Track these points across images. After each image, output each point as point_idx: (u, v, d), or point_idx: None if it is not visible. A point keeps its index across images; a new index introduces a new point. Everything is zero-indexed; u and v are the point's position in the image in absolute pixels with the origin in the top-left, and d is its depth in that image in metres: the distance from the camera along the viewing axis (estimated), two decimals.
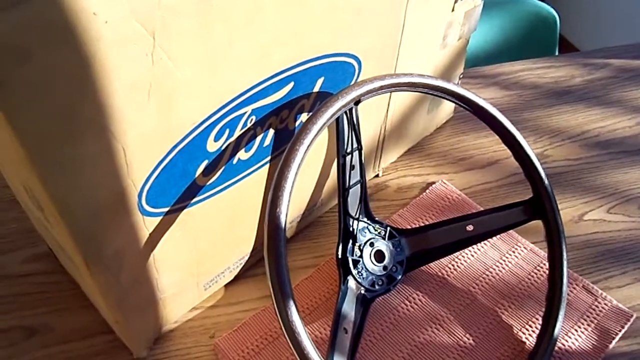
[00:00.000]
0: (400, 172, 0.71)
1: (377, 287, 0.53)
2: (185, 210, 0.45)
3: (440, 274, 0.59)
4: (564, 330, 0.55)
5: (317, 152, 0.56)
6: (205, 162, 0.43)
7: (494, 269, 0.60)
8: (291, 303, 0.40)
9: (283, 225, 0.41)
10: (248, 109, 0.44)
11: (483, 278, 0.59)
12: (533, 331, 0.54)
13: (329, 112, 0.45)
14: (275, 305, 0.40)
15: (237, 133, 0.44)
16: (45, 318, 0.54)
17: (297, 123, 0.50)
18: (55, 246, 0.51)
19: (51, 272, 0.58)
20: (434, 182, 0.69)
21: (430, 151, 0.74)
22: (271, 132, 0.48)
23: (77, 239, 0.38)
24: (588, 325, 0.55)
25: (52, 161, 0.33)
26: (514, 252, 0.61)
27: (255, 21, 0.39)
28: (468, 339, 0.54)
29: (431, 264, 0.59)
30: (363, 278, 0.52)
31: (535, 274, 0.59)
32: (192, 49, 0.36)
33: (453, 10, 0.61)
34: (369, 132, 0.62)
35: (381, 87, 0.48)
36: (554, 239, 0.54)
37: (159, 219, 0.43)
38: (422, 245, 0.56)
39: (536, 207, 0.55)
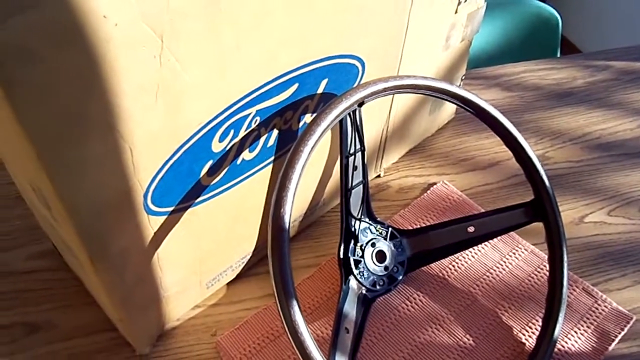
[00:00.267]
0: (402, 172, 0.72)
1: (378, 287, 0.54)
2: (189, 210, 0.45)
3: (441, 274, 0.59)
4: (564, 332, 0.55)
5: (320, 152, 0.57)
6: (210, 162, 0.44)
7: (495, 270, 0.60)
8: (294, 303, 0.40)
9: (287, 226, 0.41)
10: (253, 110, 0.44)
11: (483, 279, 0.59)
12: (533, 332, 0.55)
13: (333, 114, 0.45)
14: (278, 305, 0.40)
15: (242, 134, 0.45)
16: (48, 315, 0.55)
17: (301, 124, 0.51)
18: (60, 244, 0.51)
19: (55, 269, 0.58)
20: (435, 183, 0.69)
21: (431, 152, 0.75)
22: (275, 132, 0.48)
23: (83, 237, 0.38)
24: (588, 327, 0.56)
25: (60, 160, 0.33)
26: (514, 253, 0.62)
27: (262, 24, 0.39)
28: (468, 340, 0.54)
29: (432, 265, 0.60)
30: (364, 278, 0.53)
31: (536, 275, 0.60)
32: (200, 52, 0.36)
33: (456, 12, 0.62)
34: (371, 133, 0.62)
35: (385, 89, 0.49)
36: (554, 241, 0.55)
37: (163, 218, 0.43)
38: (423, 246, 0.57)
39: (537, 209, 0.55)
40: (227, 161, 0.45)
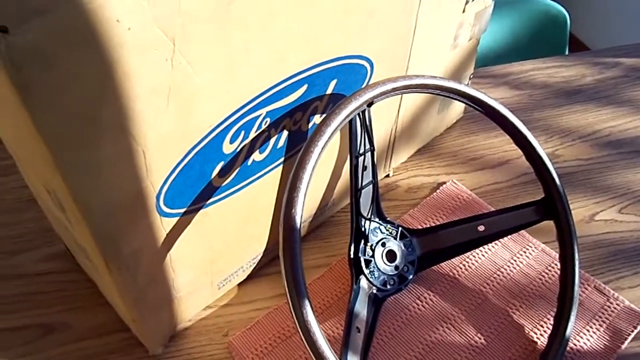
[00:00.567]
0: (411, 172, 0.72)
1: (388, 286, 0.54)
2: (201, 211, 0.46)
3: (451, 273, 0.59)
4: (576, 331, 0.55)
5: (330, 152, 0.57)
6: (221, 164, 0.44)
7: (505, 269, 0.60)
8: (306, 303, 0.40)
9: (298, 226, 0.41)
10: (263, 111, 0.44)
11: (494, 278, 0.59)
12: (544, 331, 0.55)
13: (342, 114, 0.45)
14: (290, 305, 0.41)
15: (252, 135, 0.45)
16: (61, 316, 0.55)
17: (310, 125, 0.51)
18: (73, 246, 0.52)
19: (67, 270, 0.59)
20: (444, 182, 0.69)
21: (440, 151, 0.75)
22: (285, 133, 0.49)
23: (97, 238, 0.39)
24: (600, 325, 0.56)
25: (75, 163, 0.34)
26: (525, 252, 0.62)
27: (271, 26, 0.39)
28: (479, 339, 0.54)
29: (442, 264, 0.60)
30: (375, 278, 0.53)
31: (547, 274, 0.60)
32: (210, 54, 0.36)
33: (464, 11, 0.62)
34: (380, 133, 0.63)
35: (394, 89, 0.49)
36: (565, 239, 0.55)
37: (175, 219, 0.44)
38: (433, 245, 0.57)
39: (548, 208, 0.55)
40: (237, 162, 0.46)
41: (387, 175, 0.71)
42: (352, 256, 0.53)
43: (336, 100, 0.50)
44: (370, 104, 0.49)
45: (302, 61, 0.45)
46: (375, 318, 0.52)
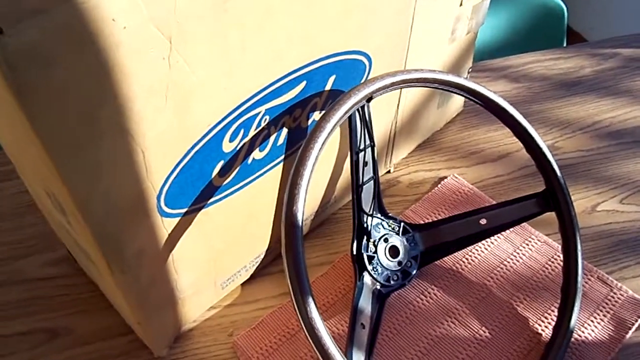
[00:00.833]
0: (412, 167, 0.71)
1: (392, 282, 0.54)
2: (202, 211, 0.46)
3: (454, 267, 0.59)
4: (580, 322, 0.55)
5: (330, 149, 0.57)
6: (221, 163, 0.44)
7: (508, 262, 0.60)
8: (310, 300, 0.40)
9: (300, 223, 0.41)
10: (262, 108, 0.44)
11: (497, 271, 0.59)
12: (549, 323, 0.55)
13: (341, 110, 0.45)
14: (294, 302, 0.41)
15: (252, 133, 0.45)
16: (65, 320, 0.55)
17: (310, 121, 0.51)
18: (75, 249, 0.51)
19: (70, 275, 0.59)
20: (445, 177, 0.69)
21: (441, 145, 0.74)
22: (284, 131, 0.48)
23: (99, 240, 0.39)
24: (604, 316, 0.55)
25: (74, 164, 0.33)
26: (527, 244, 0.61)
27: (267, 24, 0.39)
28: (484, 332, 0.54)
29: (445, 258, 0.59)
30: (378, 274, 0.53)
31: (550, 265, 0.60)
32: (207, 53, 0.36)
33: (461, 4, 0.62)
34: (380, 129, 0.62)
35: (392, 84, 0.49)
36: (567, 230, 0.54)
37: (177, 219, 0.44)
38: (435, 240, 0.57)
39: (549, 199, 0.55)
40: (238, 161, 0.46)
41: (388, 171, 0.71)
42: (354, 253, 0.53)
43: (335, 97, 0.50)
44: (369, 99, 0.49)
45: (300, 58, 0.45)
46: (380, 314, 0.51)
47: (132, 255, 0.42)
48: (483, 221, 0.56)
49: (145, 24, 0.31)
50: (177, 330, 0.54)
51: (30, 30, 0.27)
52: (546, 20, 1.19)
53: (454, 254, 0.59)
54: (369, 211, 0.54)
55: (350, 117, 0.50)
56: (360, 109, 0.50)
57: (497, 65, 0.89)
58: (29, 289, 0.58)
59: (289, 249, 0.41)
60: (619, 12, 2.01)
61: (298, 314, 0.40)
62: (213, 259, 0.51)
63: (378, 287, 0.53)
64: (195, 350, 0.53)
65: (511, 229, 0.62)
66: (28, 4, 0.26)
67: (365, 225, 0.53)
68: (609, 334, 0.54)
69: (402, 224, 0.56)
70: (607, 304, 0.56)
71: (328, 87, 0.50)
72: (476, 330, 0.54)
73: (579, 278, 0.53)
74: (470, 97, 0.54)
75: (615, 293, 0.57)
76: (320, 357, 0.40)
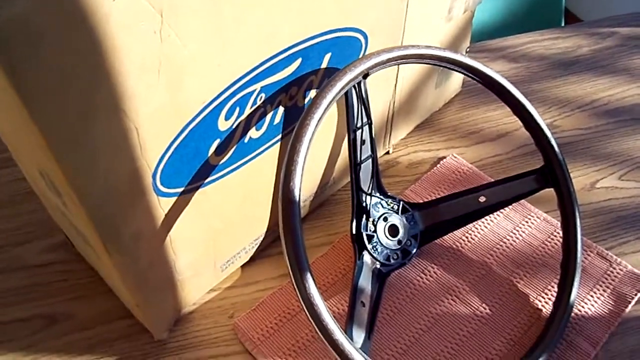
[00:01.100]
0: (411, 148, 0.71)
1: (392, 261, 0.53)
2: (199, 190, 0.45)
3: (454, 246, 0.59)
4: (580, 297, 0.55)
5: (327, 130, 0.56)
6: (217, 141, 0.44)
7: (508, 239, 0.60)
8: (308, 276, 0.40)
9: (297, 199, 0.41)
10: (257, 86, 0.44)
11: (497, 248, 0.59)
12: (549, 299, 0.55)
13: (337, 86, 0.45)
14: (292, 278, 0.40)
15: (248, 111, 0.45)
16: (64, 306, 0.55)
17: (306, 100, 0.50)
18: (72, 233, 0.51)
19: (68, 261, 0.58)
20: (444, 157, 0.69)
21: (439, 126, 0.74)
22: (281, 109, 0.48)
23: (95, 221, 0.39)
24: (604, 290, 0.55)
25: (68, 143, 0.33)
26: (527, 221, 0.61)
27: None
28: (484, 309, 0.54)
29: (445, 237, 0.59)
30: (378, 253, 0.53)
31: (549, 242, 0.59)
32: (200, 27, 0.36)
33: None
34: (378, 109, 0.62)
35: (389, 60, 0.48)
36: (566, 206, 0.54)
37: (173, 199, 0.43)
38: (435, 219, 0.56)
39: (548, 176, 0.55)
40: (234, 140, 0.45)
41: (387, 152, 0.70)
42: (354, 232, 0.52)
43: (331, 75, 0.50)
44: (365, 75, 0.48)
45: (295, 34, 0.44)
46: (380, 292, 0.51)
47: (129, 235, 0.42)
48: (482, 199, 0.56)
49: None
50: (177, 313, 0.54)
51: (20, 6, 0.26)
52: (543, 2, 1.18)
53: (454, 232, 0.59)
54: (368, 190, 0.53)
55: (346, 94, 0.50)
56: (356, 85, 0.50)
57: (495, 45, 0.88)
58: (27, 276, 0.58)
59: (287, 225, 0.41)
60: None
61: (296, 289, 0.40)
62: (212, 240, 0.51)
63: (378, 266, 0.53)
64: (195, 332, 0.53)
65: (510, 207, 0.62)
66: None
67: (364, 204, 0.53)
68: (608, 308, 0.54)
69: (401, 202, 0.56)
70: (606, 279, 0.56)
71: (324, 65, 0.49)
72: (476, 308, 0.54)
73: (579, 254, 0.53)
74: (468, 74, 0.53)
75: (614, 268, 0.57)
76: (319, 333, 0.40)
